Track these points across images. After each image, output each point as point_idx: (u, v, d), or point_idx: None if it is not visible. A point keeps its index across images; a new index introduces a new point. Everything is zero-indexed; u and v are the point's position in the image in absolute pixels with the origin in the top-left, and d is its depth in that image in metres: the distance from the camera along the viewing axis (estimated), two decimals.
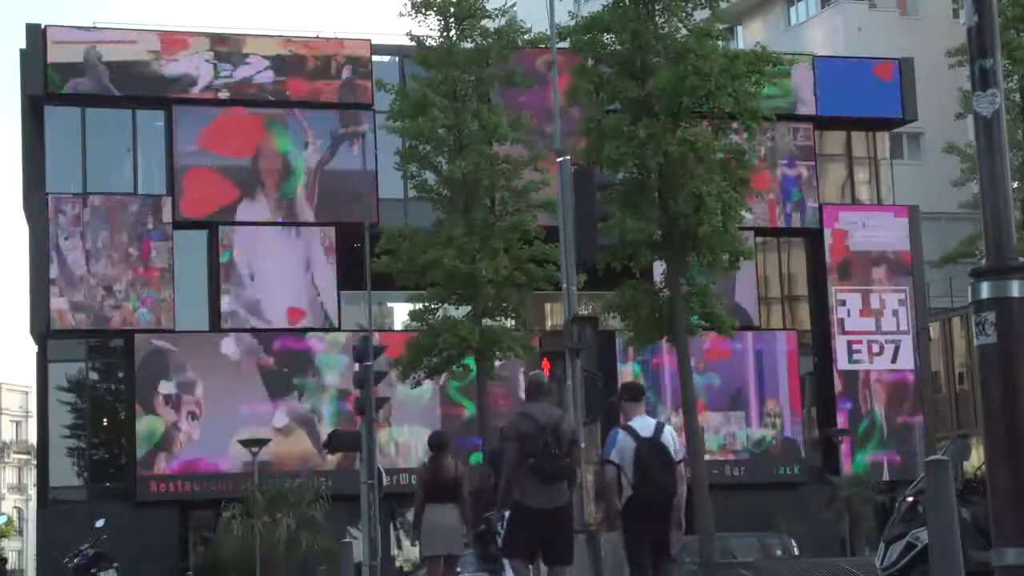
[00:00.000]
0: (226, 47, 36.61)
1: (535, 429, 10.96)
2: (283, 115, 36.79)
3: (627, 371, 37.62)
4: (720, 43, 27.86)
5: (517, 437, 11.08)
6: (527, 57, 33.54)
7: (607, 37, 27.33)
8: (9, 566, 62.83)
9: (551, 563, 11.35)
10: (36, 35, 35.43)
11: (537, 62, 33.46)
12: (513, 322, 30.16)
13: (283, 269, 36.06)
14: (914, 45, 42.94)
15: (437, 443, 14.42)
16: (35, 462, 43.53)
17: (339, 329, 35.98)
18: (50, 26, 35.73)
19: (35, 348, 36.39)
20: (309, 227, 36.39)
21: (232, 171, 36.18)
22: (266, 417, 35.12)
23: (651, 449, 11.05)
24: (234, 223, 35.99)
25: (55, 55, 35.27)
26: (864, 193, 41.89)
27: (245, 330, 35.66)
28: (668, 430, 11.38)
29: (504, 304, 29.69)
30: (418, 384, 31.16)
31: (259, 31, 38.50)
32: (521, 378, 36.36)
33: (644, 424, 11.31)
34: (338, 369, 35.39)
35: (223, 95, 36.30)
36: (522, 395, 36.60)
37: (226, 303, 35.63)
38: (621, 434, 11.20)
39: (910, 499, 12.15)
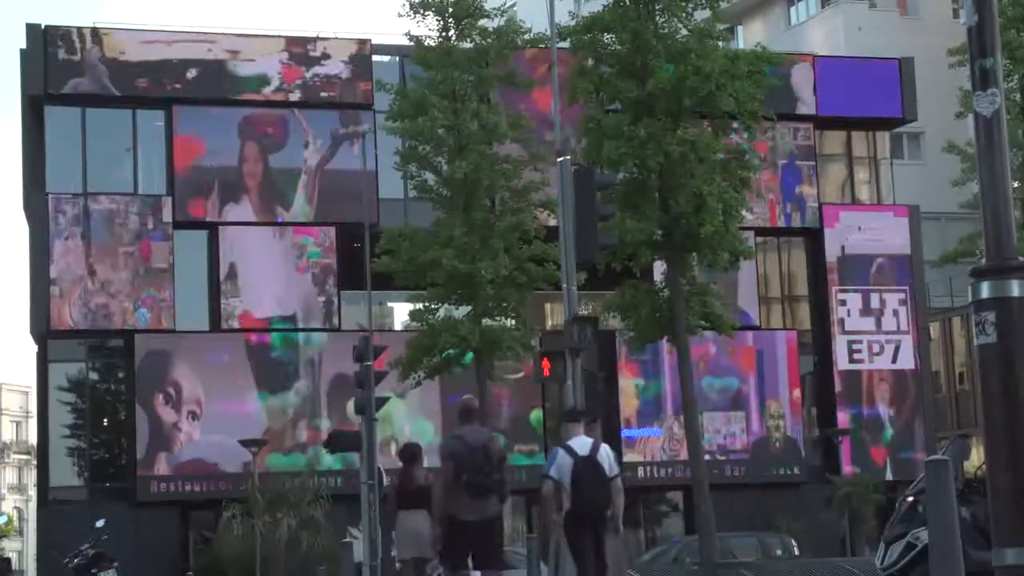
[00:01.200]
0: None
1: (467, 450, 12.11)
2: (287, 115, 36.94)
3: (628, 375, 37.67)
4: (720, 43, 27.84)
5: (451, 457, 12.25)
6: (527, 64, 33.55)
7: (607, 37, 27.31)
8: (12, 566, 62.84)
9: (484, 568, 12.46)
10: (36, 35, 35.44)
11: (539, 70, 33.40)
12: (513, 322, 30.15)
13: (283, 268, 36.06)
14: (914, 45, 42.94)
15: (408, 455, 15.32)
16: (35, 462, 43.54)
17: (339, 329, 35.97)
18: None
19: (35, 348, 36.39)
20: (309, 227, 36.42)
21: (229, 171, 36.26)
22: (266, 416, 35.16)
23: (587, 466, 12.20)
24: (234, 223, 35.99)
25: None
26: (864, 193, 41.89)
27: (245, 330, 35.65)
28: (604, 448, 12.55)
29: (504, 304, 29.67)
30: (418, 384, 31.14)
31: (262, 31, 38.54)
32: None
33: (582, 443, 12.45)
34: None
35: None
36: (521, 395, 36.82)
37: (226, 303, 35.64)
38: (561, 452, 12.38)
39: (910, 499, 12.18)
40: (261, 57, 36.65)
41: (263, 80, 36.56)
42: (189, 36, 36.57)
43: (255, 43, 36.94)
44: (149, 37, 36.23)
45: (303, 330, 36.10)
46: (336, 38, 37.66)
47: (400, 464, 15.68)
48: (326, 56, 37.05)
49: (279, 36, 37.43)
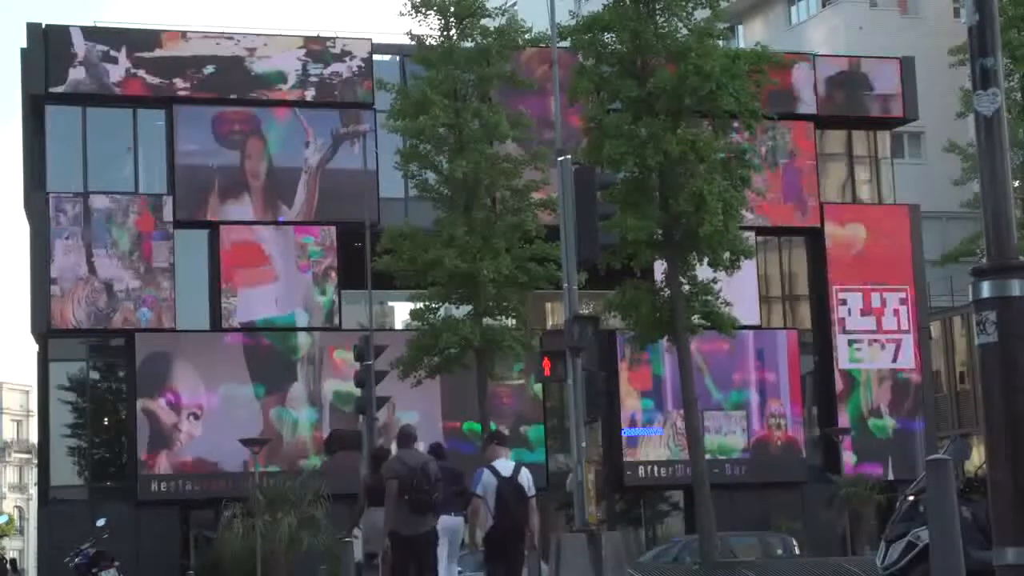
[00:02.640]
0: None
1: (406, 470, 13.28)
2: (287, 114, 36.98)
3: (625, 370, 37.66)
4: (721, 42, 27.84)
5: (395, 477, 13.40)
6: (528, 64, 33.55)
7: (608, 36, 27.31)
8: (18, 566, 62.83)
9: None
10: (37, 34, 35.46)
11: (538, 71, 33.38)
12: (514, 321, 30.14)
13: (283, 268, 36.06)
14: (915, 44, 42.94)
15: (375, 456, 16.56)
16: (36, 461, 43.54)
17: (340, 328, 35.97)
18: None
19: (36, 347, 36.38)
20: (309, 226, 36.41)
21: (230, 170, 36.27)
22: (266, 416, 35.16)
23: (509, 487, 13.74)
24: (235, 222, 35.98)
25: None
26: (865, 192, 41.85)
27: (245, 329, 35.65)
28: (524, 471, 14.08)
29: (505, 303, 29.67)
30: (419, 384, 31.15)
31: (278, 31, 38.53)
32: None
33: (505, 465, 13.99)
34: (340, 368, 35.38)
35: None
36: (523, 392, 36.82)
37: (226, 302, 35.63)
38: (486, 473, 13.89)
39: (911, 498, 12.18)
40: (277, 55, 36.69)
41: (280, 77, 36.60)
42: (196, 34, 36.57)
43: (263, 41, 36.96)
44: (150, 36, 36.23)
45: (304, 329, 36.09)
46: (338, 37, 37.65)
47: (372, 463, 16.77)
48: (346, 54, 37.06)
49: (293, 35, 37.50)
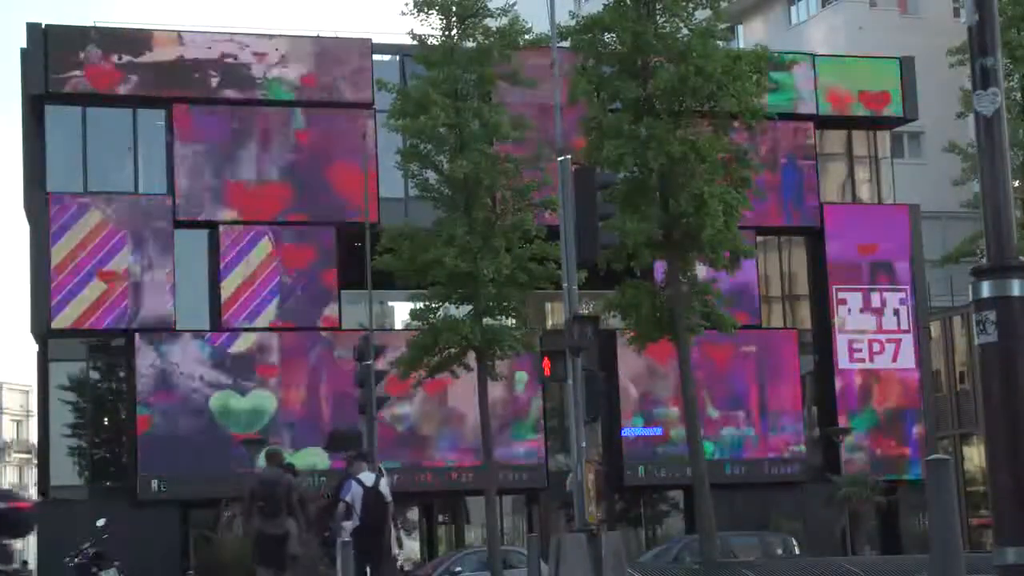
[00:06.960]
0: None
1: (260, 485, 16.83)
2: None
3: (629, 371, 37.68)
4: (721, 43, 27.81)
5: (250, 491, 16.96)
6: (528, 64, 33.53)
7: (608, 37, 27.29)
8: (15, 565, 62.76)
9: (275, 571, 16.74)
10: (37, 34, 35.46)
11: (531, 62, 33.33)
12: (514, 321, 30.14)
13: (283, 267, 36.06)
14: (915, 44, 42.93)
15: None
16: (36, 461, 43.54)
17: (340, 328, 35.98)
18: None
19: (36, 347, 36.38)
20: (309, 226, 36.39)
21: (229, 170, 36.25)
22: (266, 415, 35.16)
23: (371, 494, 17.36)
24: (235, 222, 35.98)
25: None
26: (865, 192, 41.88)
27: (245, 329, 35.63)
28: (384, 480, 17.71)
29: (505, 303, 29.66)
30: (419, 383, 31.16)
31: (264, 30, 38.48)
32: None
33: (368, 476, 17.66)
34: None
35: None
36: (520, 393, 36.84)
37: (226, 302, 35.62)
38: (354, 484, 17.54)
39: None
40: (282, 55, 36.74)
41: (284, 78, 36.62)
42: (199, 35, 36.59)
43: (263, 42, 36.98)
44: (148, 37, 36.24)
45: (304, 329, 36.07)
46: (338, 36, 37.66)
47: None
48: (349, 54, 37.05)
49: (284, 36, 37.53)
